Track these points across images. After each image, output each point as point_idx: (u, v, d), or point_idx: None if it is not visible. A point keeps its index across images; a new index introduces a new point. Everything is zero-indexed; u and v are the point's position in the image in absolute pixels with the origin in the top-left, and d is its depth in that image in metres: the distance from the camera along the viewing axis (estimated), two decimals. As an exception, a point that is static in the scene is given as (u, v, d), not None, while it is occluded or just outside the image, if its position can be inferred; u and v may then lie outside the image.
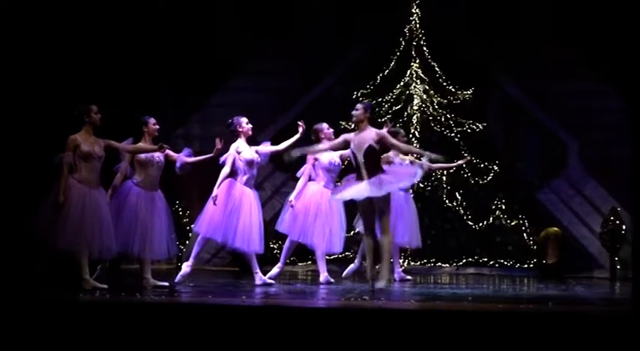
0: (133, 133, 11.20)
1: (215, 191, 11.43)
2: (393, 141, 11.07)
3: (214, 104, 15.62)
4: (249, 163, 11.64)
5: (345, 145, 11.06)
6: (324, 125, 12.31)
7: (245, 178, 11.64)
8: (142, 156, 11.19)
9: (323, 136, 12.21)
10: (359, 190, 10.71)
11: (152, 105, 15.07)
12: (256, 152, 11.77)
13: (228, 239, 11.56)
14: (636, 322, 8.06)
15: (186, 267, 11.72)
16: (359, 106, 10.99)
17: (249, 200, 11.63)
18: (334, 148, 11.52)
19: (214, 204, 11.39)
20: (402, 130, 13.11)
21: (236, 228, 11.50)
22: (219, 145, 11.50)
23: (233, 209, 11.52)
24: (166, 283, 11.34)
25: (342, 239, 12.35)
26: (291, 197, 12.13)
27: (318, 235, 12.13)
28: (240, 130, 11.76)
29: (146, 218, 11.10)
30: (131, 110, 12.41)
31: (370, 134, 10.79)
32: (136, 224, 11.03)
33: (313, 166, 12.27)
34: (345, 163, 12.47)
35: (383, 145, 10.92)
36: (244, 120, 11.80)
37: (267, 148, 11.97)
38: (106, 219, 10.69)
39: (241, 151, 11.63)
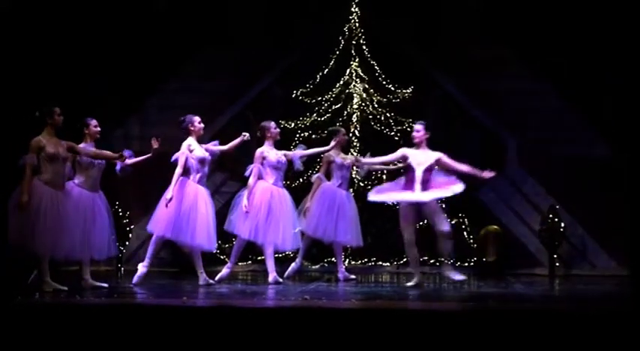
0: (74, 134, 11.13)
1: (170, 191, 11.36)
2: (450, 162, 11.78)
3: (153, 105, 15.51)
4: (202, 162, 11.64)
5: (403, 159, 11.82)
6: (272, 124, 12.39)
7: (198, 176, 11.64)
8: (84, 158, 11.12)
9: (269, 135, 12.30)
10: (405, 195, 11.68)
11: (89, 105, 14.96)
12: (206, 150, 11.76)
13: (186, 237, 11.50)
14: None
15: (142, 267, 11.65)
16: (419, 126, 11.93)
17: (203, 198, 11.65)
18: (387, 163, 12.40)
19: (166, 206, 11.33)
20: (342, 129, 13.22)
21: (195, 226, 11.47)
22: (155, 144, 11.54)
23: (190, 208, 11.48)
24: (106, 285, 11.28)
25: (294, 237, 12.32)
26: (245, 201, 12.00)
27: (269, 233, 12.08)
28: (192, 128, 11.78)
29: (87, 219, 11.03)
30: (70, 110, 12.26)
31: (432, 155, 11.76)
32: (77, 225, 10.93)
33: (262, 164, 12.23)
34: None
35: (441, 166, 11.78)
36: (197, 119, 11.81)
37: (215, 147, 11.99)
38: (72, 221, 10.75)
39: (193, 149, 11.60)
